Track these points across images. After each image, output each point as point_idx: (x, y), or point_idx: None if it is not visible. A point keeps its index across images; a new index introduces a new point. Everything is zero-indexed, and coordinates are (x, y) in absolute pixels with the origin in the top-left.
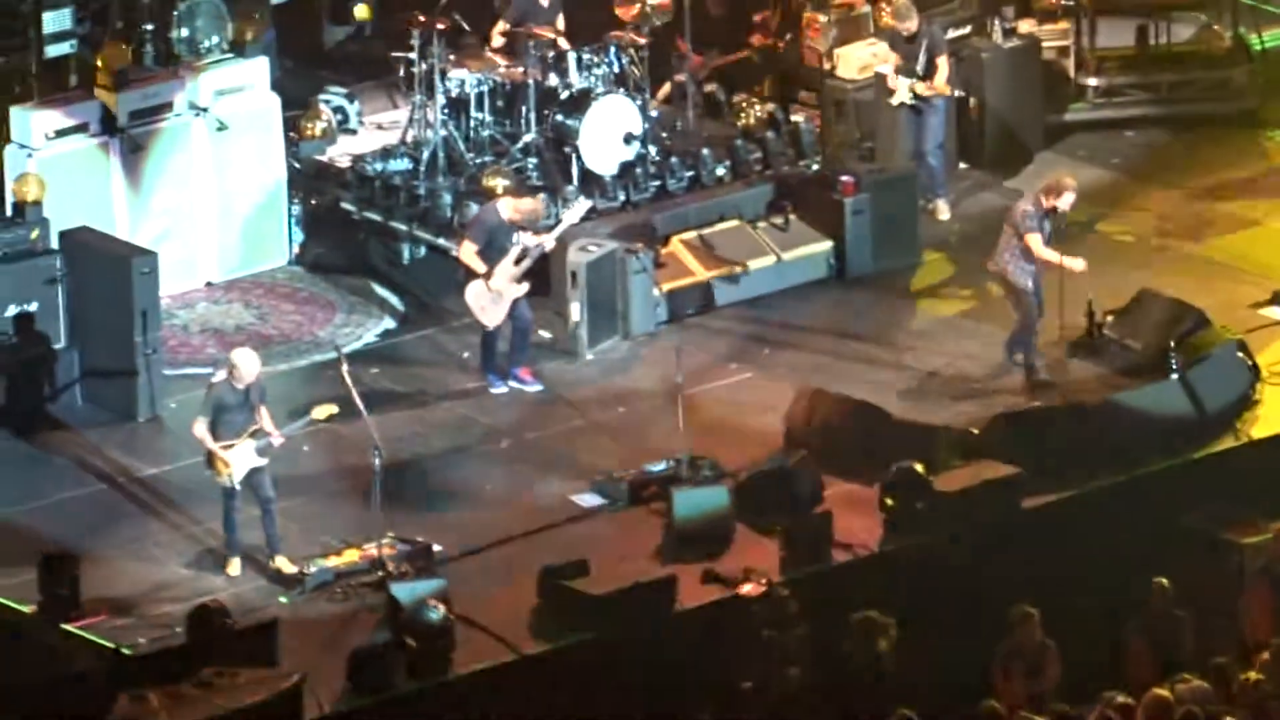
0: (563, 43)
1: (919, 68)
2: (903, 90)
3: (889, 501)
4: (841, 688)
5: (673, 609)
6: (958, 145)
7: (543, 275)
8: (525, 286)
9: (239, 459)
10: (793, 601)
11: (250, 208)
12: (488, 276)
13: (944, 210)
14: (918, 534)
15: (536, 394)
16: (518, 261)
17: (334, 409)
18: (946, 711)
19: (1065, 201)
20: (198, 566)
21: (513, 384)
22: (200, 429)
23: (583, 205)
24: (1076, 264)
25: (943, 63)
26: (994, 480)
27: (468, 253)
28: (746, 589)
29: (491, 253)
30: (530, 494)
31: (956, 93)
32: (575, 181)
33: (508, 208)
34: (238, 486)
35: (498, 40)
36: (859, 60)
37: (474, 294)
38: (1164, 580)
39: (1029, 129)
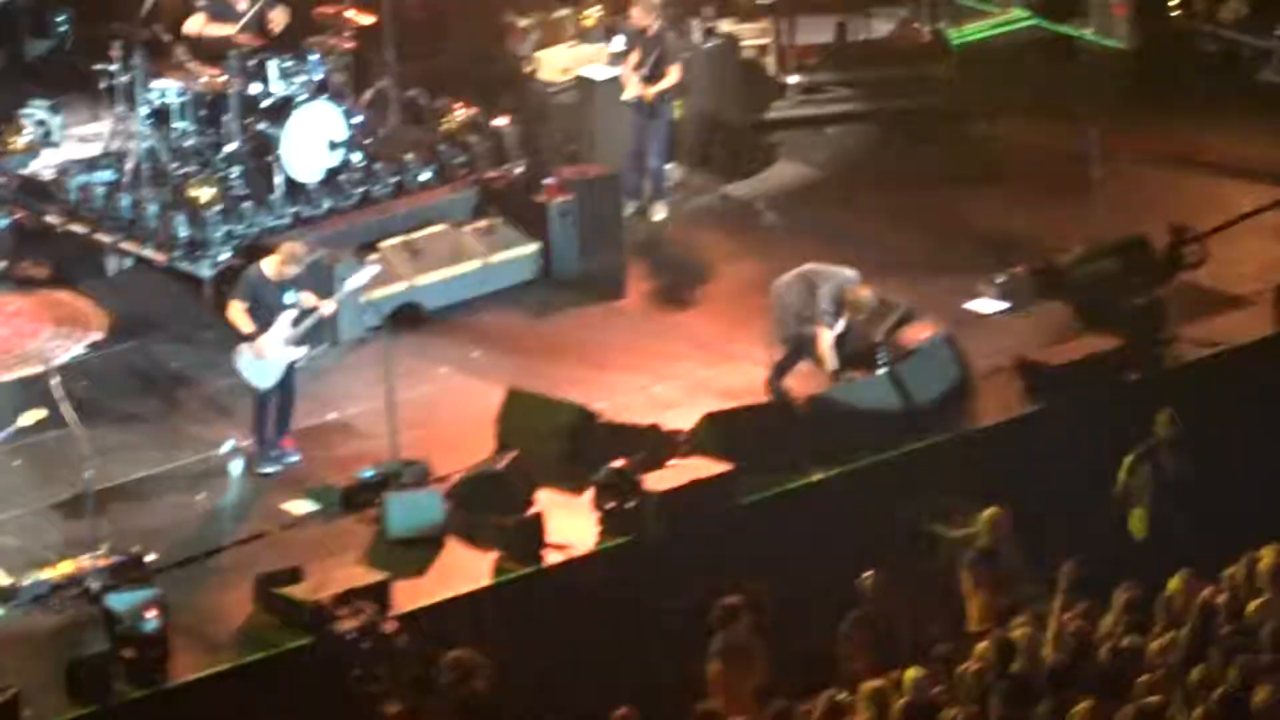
0: (278, 25)
1: (646, 70)
2: (633, 87)
3: (600, 502)
4: None
5: (386, 614)
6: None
7: None
8: (303, 350)
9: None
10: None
11: None
12: (254, 336)
13: (661, 212)
14: (631, 533)
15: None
16: (295, 323)
17: (42, 413)
18: (662, 712)
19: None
20: None
21: (272, 454)
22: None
23: (369, 271)
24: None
25: (673, 71)
26: (706, 478)
27: (235, 311)
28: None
29: (260, 311)
30: (244, 503)
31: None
32: (278, 190)
33: (270, 265)
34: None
35: (191, 26)
36: (560, 63)
37: (243, 355)
38: (877, 573)
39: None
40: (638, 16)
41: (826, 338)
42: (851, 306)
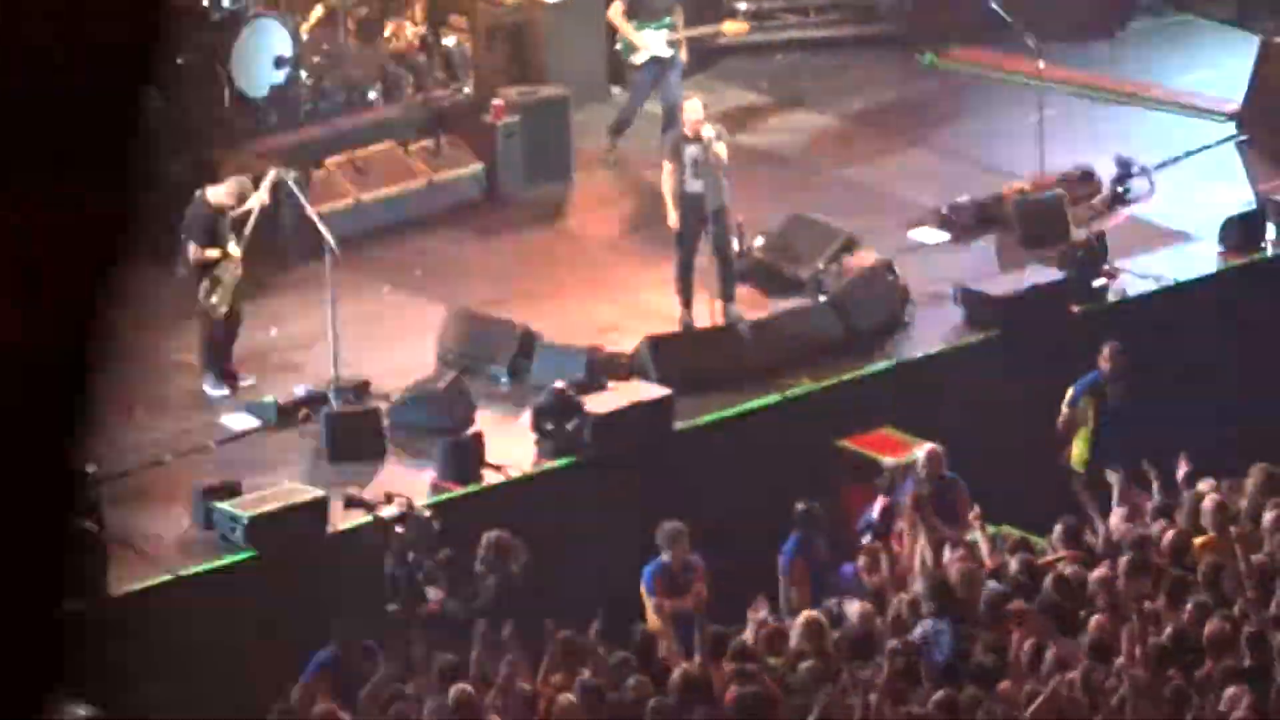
0: None
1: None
2: (656, 44)
3: (540, 423)
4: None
5: (324, 531)
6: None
7: None
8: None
9: None
10: (434, 523)
11: None
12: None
13: None
14: (570, 455)
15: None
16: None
17: None
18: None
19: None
20: None
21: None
22: None
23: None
24: None
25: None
26: (644, 401)
27: (195, 253)
28: (387, 511)
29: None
30: (182, 416)
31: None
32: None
33: (215, 195)
34: None
35: None
36: None
37: (205, 289)
38: (811, 502)
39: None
40: None
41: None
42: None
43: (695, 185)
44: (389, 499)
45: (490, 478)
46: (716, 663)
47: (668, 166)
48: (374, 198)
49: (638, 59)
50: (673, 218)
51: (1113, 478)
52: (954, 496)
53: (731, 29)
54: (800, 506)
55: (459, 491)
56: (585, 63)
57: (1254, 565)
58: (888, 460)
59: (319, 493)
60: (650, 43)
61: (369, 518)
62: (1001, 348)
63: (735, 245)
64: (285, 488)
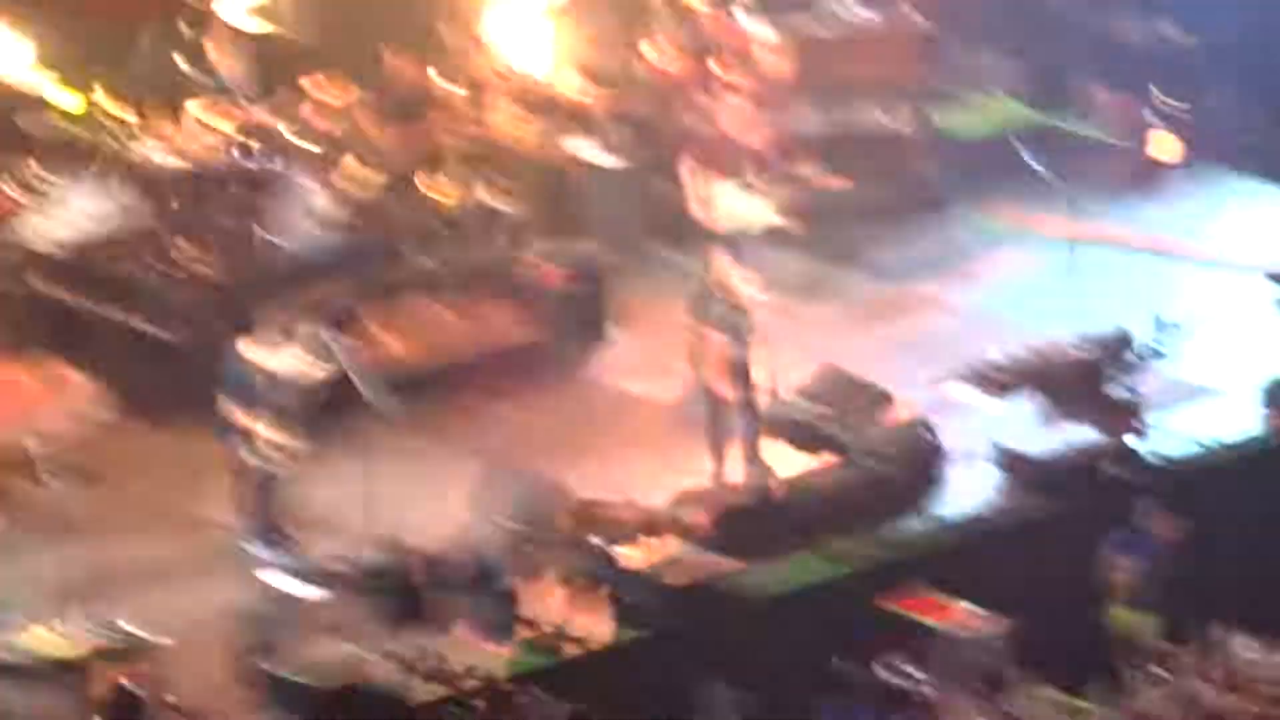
0: (265, 117)
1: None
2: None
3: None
4: None
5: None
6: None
7: None
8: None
9: None
10: None
11: None
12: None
13: None
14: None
15: None
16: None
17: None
18: None
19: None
20: None
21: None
22: None
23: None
24: None
25: None
26: (678, 559)
27: (233, 411)
28: None
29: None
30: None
31: None
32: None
33: (253, 352)
34: None
35: (189, 123)
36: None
37: (245, 448)
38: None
39: None
40: None
41: None
42: None
43: (724, 341)
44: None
45: (524, 633)
46: None
47: (697, 323)
48: (414, 355)
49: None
50: (704, 375)
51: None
52: None
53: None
54: (840, 669)
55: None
56: (624, 220)
57: None
58: (935, 624)
59: (367, 655)
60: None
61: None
62: (1038, 508)
63: (767, 401)
64: (332, 650)
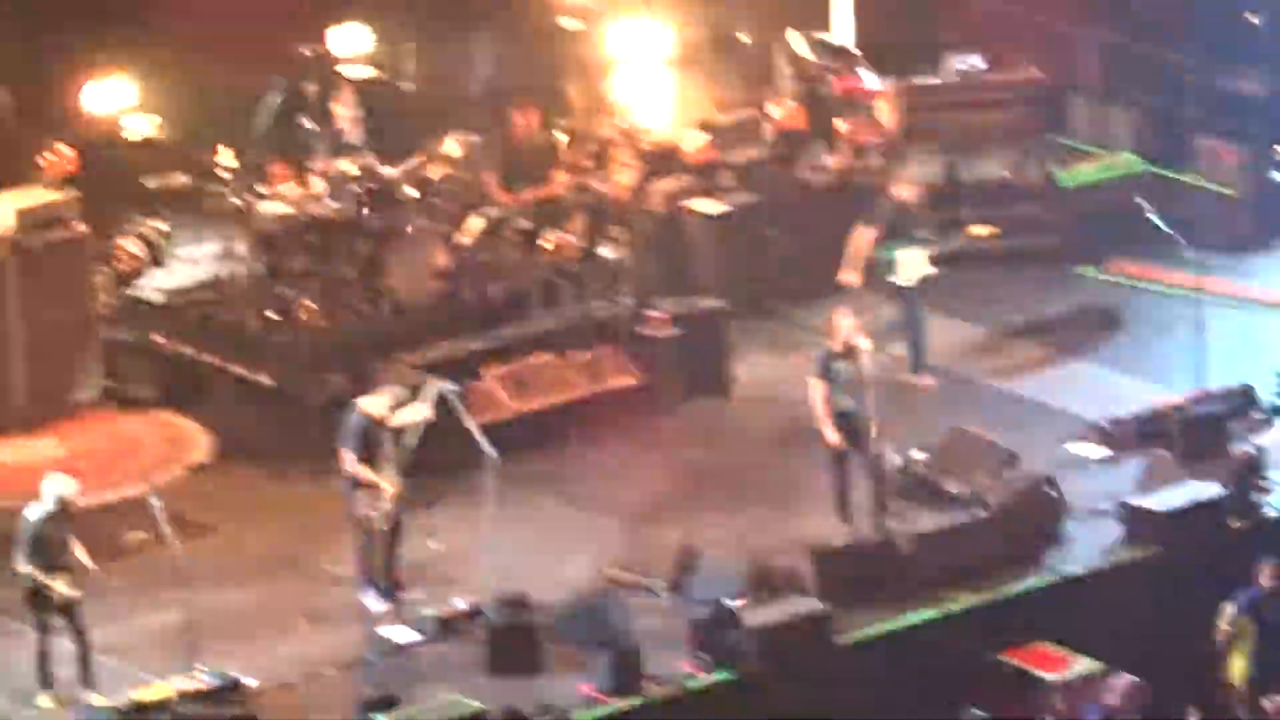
0: (385, 170)
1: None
2: (916, 263)
3: (699, 637)
4: None
5: None
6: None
7: None
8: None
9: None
10: None
11: (59, 342)
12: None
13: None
14: (729, 669)
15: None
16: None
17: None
18: None
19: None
20: None
21: (382, 589)
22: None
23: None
24: None
25: None
26: (803, 615)
27: (351, 463)
28: None
29: (370, 450)
30: (341, 628)
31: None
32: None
33: (371, 406)
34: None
35: (316, 182)
36: (667, 192)
37: (360, 499)
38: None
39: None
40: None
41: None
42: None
43: (846, 401)
44: None
45: (650, 690)
46: None
47: (818, 384)
48: (533, 409)
49: (904, 279)
50: (829, 434)
51: (1270, 703)
52: None
53: (977, 232)
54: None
55: (621, 705)
56: (743, 275)
57: None
58: (1049, 676)
59: (479, 705)
60: (915, 262)
61: None
62: (1161, 563)
63: (891, 460)
64: (444, 700)
